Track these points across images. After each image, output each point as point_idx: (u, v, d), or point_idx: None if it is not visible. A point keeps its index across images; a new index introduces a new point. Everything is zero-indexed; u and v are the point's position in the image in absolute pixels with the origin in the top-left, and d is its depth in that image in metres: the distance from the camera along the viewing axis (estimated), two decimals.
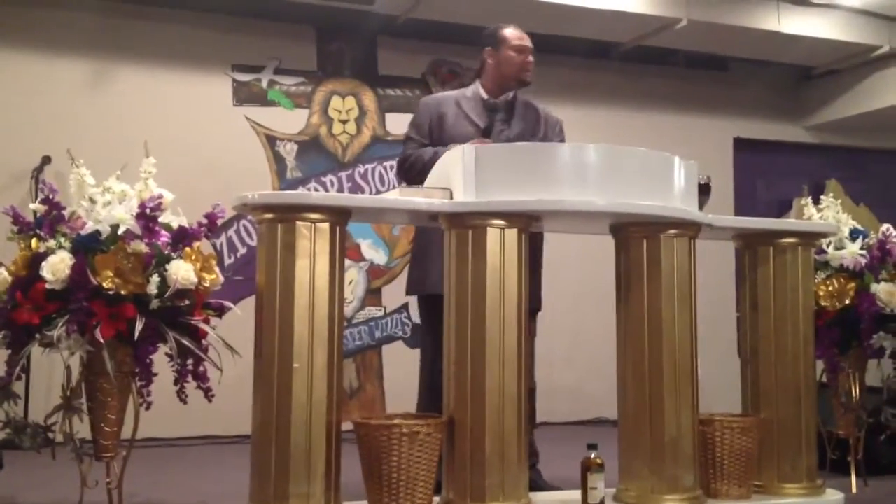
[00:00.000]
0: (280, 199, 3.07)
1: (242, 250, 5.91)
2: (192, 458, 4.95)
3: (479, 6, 5.68)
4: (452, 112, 3.72)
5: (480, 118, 3.70)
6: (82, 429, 2.95)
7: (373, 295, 6.21)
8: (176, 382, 2.95)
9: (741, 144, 7.26)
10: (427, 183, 3.21)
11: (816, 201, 3.99)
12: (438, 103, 3.79)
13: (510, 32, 3.75)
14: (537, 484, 3.48)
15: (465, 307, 2.86)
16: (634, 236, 3.10)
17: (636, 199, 2.98)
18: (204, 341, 2.97)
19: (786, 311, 3.39)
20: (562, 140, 3.81)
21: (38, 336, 2.83)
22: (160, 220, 2.97)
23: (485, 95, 3.76)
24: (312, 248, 2.76)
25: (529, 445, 3.55)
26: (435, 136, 3.68)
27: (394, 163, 6.24)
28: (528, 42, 3.75)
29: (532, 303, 3.58)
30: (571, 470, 3.10)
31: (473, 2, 5.66)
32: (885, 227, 3.98)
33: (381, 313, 6.21)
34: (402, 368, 5.92)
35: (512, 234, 2.88)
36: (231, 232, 5.90)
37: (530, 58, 3.73)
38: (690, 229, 3.13)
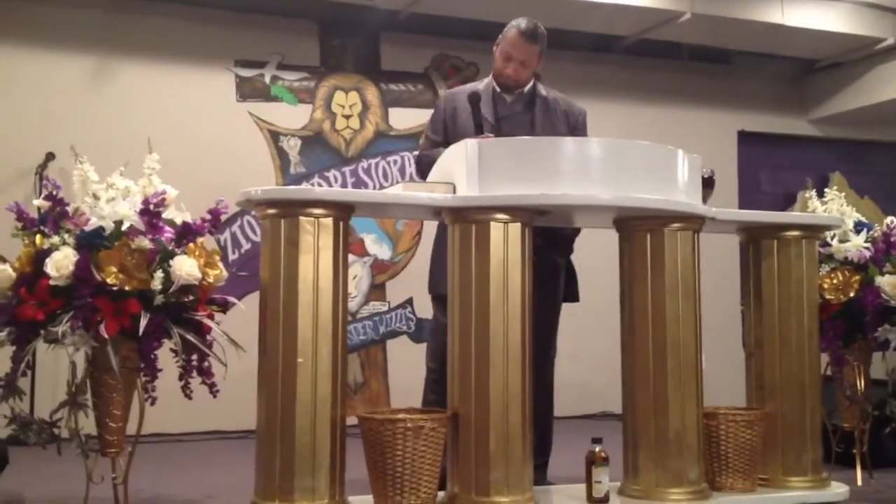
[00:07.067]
0: (283, 194, 3.08)
1: (246, 246, 5.90)
2: (198, 453, 4.95)
3: (481, 1, 5.67)
4: (463, 107, 3.63)
5: (490, 112, 3.60)
6: (87, 424, 2.96)
7: (377, 290, 6.21)
8: (181, 378, 2.96)
9: (745, 137, 7.23)
10: (431, 177, 3.20)
11: (821, 194, 3.99)
12: (453, 98, 3.71)
13: (508, 35, 3.63)
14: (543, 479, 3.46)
15: (468, 302, 2.86)
16: (638, 230, 3.09)
17: (640, 192, 2.98)
18: (208, 337, 2.98)
19: (790, 305, 3.39)
20: (584, 134, 3.72)
21: (42, 332, 2.84)
22: (164, 215, 2.98)
23: (497, 88, 3.67)
24: (316, 243, 2.76)
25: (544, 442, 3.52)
26: (449, 132, 3.62)
27: (398, 157, 6.32)
28: (518, 53, 3.58)
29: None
30: (576, 464, 3.10)
31: None
32: (889, 219, 3.98)
33: (385, 308, 6.21)
34: (406, 363, 5.92)
35: (515, 228, 2.88)
36: (235, 227, 5.90)
37: (510, 69, 3.60)
38: (694, 223, 3.13)
